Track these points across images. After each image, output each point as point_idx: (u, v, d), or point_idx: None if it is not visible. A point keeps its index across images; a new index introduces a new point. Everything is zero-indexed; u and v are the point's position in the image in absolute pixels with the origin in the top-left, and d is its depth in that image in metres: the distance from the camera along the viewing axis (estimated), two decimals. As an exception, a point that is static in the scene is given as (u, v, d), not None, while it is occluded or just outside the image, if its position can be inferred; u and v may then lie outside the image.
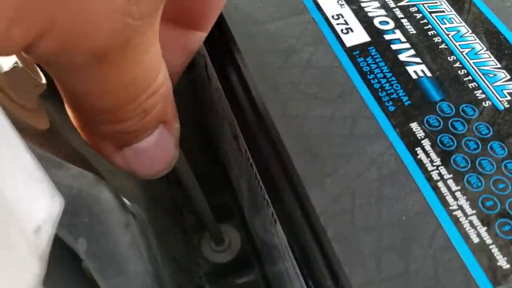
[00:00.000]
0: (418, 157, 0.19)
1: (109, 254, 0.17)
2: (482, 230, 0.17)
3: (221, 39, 0.23)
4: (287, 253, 0.24)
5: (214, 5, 0.19)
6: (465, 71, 0.21)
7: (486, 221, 0.17)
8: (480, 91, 0.20)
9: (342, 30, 0.22)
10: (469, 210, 0.17)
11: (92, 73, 0.14)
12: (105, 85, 0.15)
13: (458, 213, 0.17)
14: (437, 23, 0.22)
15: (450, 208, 0.18)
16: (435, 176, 0.18)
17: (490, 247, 0.17)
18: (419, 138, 0.19)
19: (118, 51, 0.14)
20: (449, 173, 0.18)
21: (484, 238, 0.17)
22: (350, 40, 0.22)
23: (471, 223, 0.17)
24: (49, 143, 0.21)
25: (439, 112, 0.20)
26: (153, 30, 0.15)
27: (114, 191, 0.18)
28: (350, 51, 0.21)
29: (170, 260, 0.28)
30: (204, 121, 0.37)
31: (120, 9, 0.13)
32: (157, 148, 0.18)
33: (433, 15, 0.23)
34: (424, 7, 0.23)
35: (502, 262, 0.16)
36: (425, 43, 0.22)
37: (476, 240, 0.17)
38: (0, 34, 0.12)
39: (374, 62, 0.21)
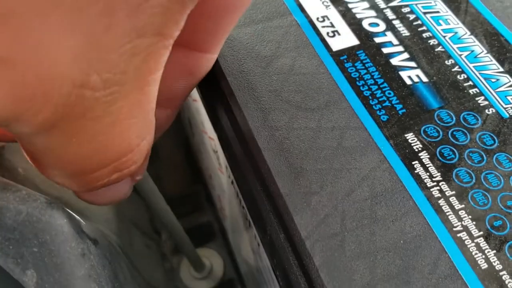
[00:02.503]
0: (416, 171, 0.16)
1: None
2: (491, 254, 0.15)
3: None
4: (271, 279, 0.22)
5: (225, 23, 0.16)
6: (465, 76, 0.19)
7: (495, 244, 0.15)
8: (483, 97, 0.18)
9: (328, 33, 0.20)
10: (475, 232, 0.15)
11: (44, 143, 0.12)
12: (58, 154, 0.13)
13: (463, 235, 0.15)
14: (432, 24, 0.20)
15: (454, 229, 0.15)
16: (435, 193, 0.16)
17: (501, 273, 0.15)
18: (416, 150, 0.17)
19: (72, 123, 0.12)
20: (451, 190, 0.16)
21: (494, 264, 0.15)
22: (337, 43, 0.20)
23: (478, 246, 0.15)
24: (4, 161, 0.19)
25: (438, 121, 0.18)
26: (130, 99, 0.12)
27: (70, 216, 0.16)
28: (337, 56, 0.19)
29: (147, 286, 0.25)
30: (186, 136, 0.35)
31: (70, 81, 0.11)
32: (113, 191, 0.16)
33: (428, 16, 0.21)
34: (418, 7, 0.21)
35: (516, 292, 0.14)
36: (420, 45, 0.20)
37: (484, 266, 0.15)
38: None
39: (363, 67, 0.19)
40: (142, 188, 0.22)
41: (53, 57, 0.10)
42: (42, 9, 0.10)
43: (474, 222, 0.16)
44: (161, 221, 0.25)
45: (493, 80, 0.19)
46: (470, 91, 0.18)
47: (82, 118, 0.12)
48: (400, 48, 0.20)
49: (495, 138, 0.17)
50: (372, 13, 0.21)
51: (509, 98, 0.18)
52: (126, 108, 0.12)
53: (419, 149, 0.17)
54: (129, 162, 0.14)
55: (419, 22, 0.20)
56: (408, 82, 0.19)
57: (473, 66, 0.19)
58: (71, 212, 0.16)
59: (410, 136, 0.17)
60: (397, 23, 0.20)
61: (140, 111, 0.13)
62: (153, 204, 0.23)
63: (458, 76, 0.19)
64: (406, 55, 0.19)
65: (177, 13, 0.12)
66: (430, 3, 0.21)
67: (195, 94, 0.25)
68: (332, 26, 0.20)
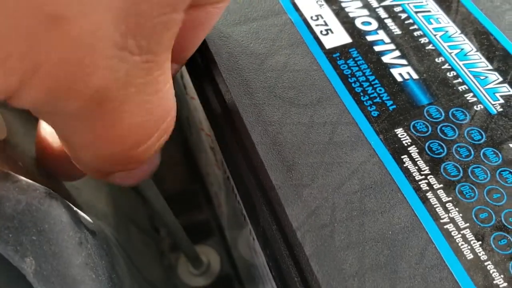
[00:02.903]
0: (405, 165, 0.17)
1: (59, 275, 0.15)
2: (477, 245, 0.15)
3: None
4: (266, 274, 0.22)
5: (190, 43, 0.17)
6: (455, 73, 0.19)
7: (480, 235, 0.16)
8: (471, 94, 0.19)
9: (321, 31, 0.21)
10: (461, 223, 0.16)
11: (90, 121, 0.13)
12: (106, 134, 0.13)
13: (450, 227, 0.16)
14: (423, 23, 0.21)
15: (441, 221, 0.16)
16: (423, 186, 0.16)
17: (486, 263, 0.15)
18: (406, 145, 0.17)
19: (118, 91, 0.12)
20: (439, 183, 0.17)
21: (479, 254, 0.15)
22: (330, 41, 0.20)
23: (464, 237, 0.16)
24: (4, 154, 0.19)
25: (427, 117, 0.18)
26: (161, 67, 0.13)
27: (68, 206, 0.16)
28: (330, 53, 0.20)
29: (144, 283, 0.26)
30: (184, 135, 0.35)
31: (113, 42, 0.11)
32: (144, 167, 0.17)
33: (419, 15, 0.21)
34: (409, 6, 0.21)
35: (499, 280, 0.15)
36: (411, 44, 0.20)
37: (470, 256, 0.15)
38: None
39: (355, 64, 0.19)
40: (140, 184, 0.23)
41: (99, 17, 0.11)
42: None
43: (460, 214, 0.16)
44: (159, 217, 0.25)
45: (482, 78, 0.19)
46: (459, 88, 0.19)
47: (127, 85, 0.12)
48: (392, 46, 0.20)
49: (483, 133, 0.18)
50: (365, 12, 0.21)
51: (497, 95, 0.19)
52: (162, 76, 0.13)
53: (408, 143, 0.17)
54: (170, 123, 0.15)
55: (411, 21, 0.21)
56: (399, 79, 0.19)
57: (463, 64, 0.20)
58: (69, 204, 0.16)
59: (399, 131, 0.18)
60: (389, 22, 0.21)
61: (170, 76, 0.14)
62: (151, 199, 0.24)
63: (448, 74, 0.19)
64: (397, 53, 0.20)
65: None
66: (422, 2, 0.22)
67: (192, 91, 0.26)
68: (326, 24, 0.21)
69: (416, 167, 0.17)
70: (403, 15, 0.21)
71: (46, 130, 0.18)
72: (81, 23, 0.10)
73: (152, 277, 0.27)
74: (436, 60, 0.20)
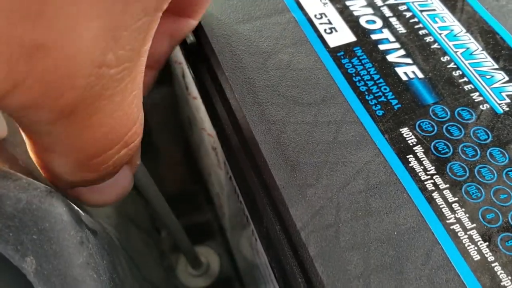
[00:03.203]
0: (410, 165, 0.17)
1: (60, 275, 0.15)
2: (483, 246, 0.15)
3: (195, 41, 0.21)
4: (268, 274, 0.22)
5: (166, 49, 0.18)
6: (460, 72, 0.19)
7: (487, 236, 0.15)
8: (477, 93, 0.18)
9: (325, 30, 0.20)
10: (468, 224, 0.16)
11: (60, 128, 0.13)
12: (73, 140, 0.13)
13: (456, 227, 0.15)
14: (429, 22, 0.21)
15: (447, 221, 0.16)
16: (429, 186, 0.16)
17: (493, 265, 0.15)
18: (411, 144, 0.17)
19: (90, 105, 0.12)
20: (445, 183, 0.16)
21: (486, 255, 0.15)
22: (334, 40, 0.20)
23: (470, 238, 0.15)
24: (5, 153, 0.19)
25: (433, 116, 0.18)
26: (133, 74, 0.13)
27: (69, 205, 0.16)
28: (334, 52, 0.20)
29: (145, 283, 0.25)
30: (185, 135, 0.35)
31: (92, 62, 0.12)
32: (113, 186, 0.17)
33: (424, 13, 0.21)
34: (414, 5, 0.21)
35: (506, 281, 0.14)
36: (416, 43, 0.20)
37: (476, 257, 0.15)
38: None
39: (360, 63, 0.19)
40: (141, 184, 0.22)
41: (80, 40, 0.11)
42: None
43: (467, 215, 0.16)
44: (159, 217, 0.25)
45: (488, 77, 0.19)
46: (465, 87, 0.19)
47: (98, 99, 0.12)
48: (397, 45, 0.20)
49: (489, 133, 0.17)
50: (369, 10, 0.21)
51: (503, 94, 0.18)
52: (131, 83, 0.13)
53: (414, 143, 0.17)
54: (135, 135, 0.15)
55: (416, 19, 0.21)
56: (404, 78, 0.19)
57: (468, 63, 0.19)
58: (70, 203, 0.16)
59: (405, 131, 0.17)
60: (393, 20, 0.21)
61: (138, 82, 0.14)
62: (151, 200, 0.23)
63: (453, 73, 0.19)
64: (402, 52, 0.20)
65: None
66: (427, 1, 0.21)
67: (195, 91, 0.26)
68: (330, 23, 0.21)
69: (422, 167, 0.17)
70: (408, 14, 0.21)
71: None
72: (60, 50, 0.11)
73: (152, 277, 0.27)
74: (442, 59, 0.19)
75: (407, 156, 0.17)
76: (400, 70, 0.19)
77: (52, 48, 0.11)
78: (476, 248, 0.15)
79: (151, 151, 0.31)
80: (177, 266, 0.32)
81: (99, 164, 0.15)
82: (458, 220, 0.16)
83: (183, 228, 0.27)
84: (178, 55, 0.27)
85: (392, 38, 0.20)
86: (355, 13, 0.21)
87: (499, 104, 0.18)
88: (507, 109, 0.18)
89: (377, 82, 0.19)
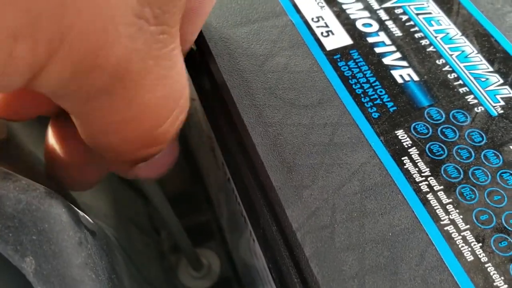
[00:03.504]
0: (405, 167, 0.17)
1: (59, 275, 0.15)
2: (477, 247, 0.15)
3: (193, 44, 0.21)
4: (266, 277, 0.22)
5: (194, 26, 0.17)
6: (455, 75, 0.19)
7: (481, 237, 0.16)
8: (472, 96, 0.19)
9: (322, 33, 0.21)
10: (462, 225, 0.16)
11: (112, 99, 0.13)
12: (128, 112, 0.13)
13: (450, 229, 0.16)
14: (424, 25, 0.21)
15: (441, 223, 0.16)
16: (424, 187, 0.16)
17: (486, 265, 0.15)
18: (406, 146, 0.17)
19: (138, 64, 0.12)
20: (439, 185, 0.16)
21: (479, 256, 0.15)
22: (331, 43, 0.20)
23: (464, 239, 0.15)
24: (5, 153, 0.19)
25: (428, 119, 0.18)
26: (174, 40, 0.13)
27: (68, 206, 0.16)
28: (331, 55, 0.20)
29: (144, 284, 0.26)
30: (185, 137, 0.35)
31: (132, 9, 0.11)
32: (165, 156, 0.17)
33: (420, 17, 0.21)
34: (410, 8, 0.21)
35: (499, 282, 0.15)
36: (412, 45, 0.20)
37: (470, 258, 0.15)
38: (3, 55, 0.10)
39: (356, 66, 0.19)
40: (144, 183, 0.23)
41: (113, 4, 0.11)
42: None
43: (461, 216, 0.16)
44: (160, 217, 0.25)
45: (482, 80, 0.19)
46: (460, 89, 0.19)
47: (147, 58, 0.12)
48: (393, 48, 0.20)
49: (484, 135, 0.18)
50: (366, 14, 0.21)
51: (498, 97, 0.19)
52: (176, 51, 0.13)
53: (409, 145, 0.17)
54: (185, 103, 0.15)
55: (412, 23, 0.21)
56: (400, 80, 0.19)
57: (464, 66, 0.20)
58: (69, 203, 0.16)
59: (400, 133, 0.18)
60: (390, 23, 0.21)
61: (181, 53, 0.14)
62: (154, 200, 0.24)
63: (449, 75, 0.19)
64: (398, 55, 0.20)
65: None
66: (423, 4, 0.22)
67: (193, 93, 0.26)
68: (327, 26, 0.21)
69: (417, 169, 0.17)
70: (404, 17, 0.21)
71: (54, 140, 0.18)
72: (97, 13, 0.10)
73: (152, 278, 0.27)
74: (437, 62, 0.20)
75: (402, 158, 0.17)
76: (395, 73, 0.19)
77: (89, 7, 0.10)
78: (469, 249, 0.15)
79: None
80: (178, 268, 0.32)
81: (163, 133, 0.14)
82: (452, 222, 0.16)
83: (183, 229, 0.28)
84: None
85: (388, 41, 0.20)
86: (352, 17, 0.21)
87: (493, 106, 0.18)
88: (502, 111, 0.18)
89: (373, 84, 0.19)
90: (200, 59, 0.21)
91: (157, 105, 0.14)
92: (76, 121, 0.14)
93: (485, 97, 0.19)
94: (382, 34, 0.21)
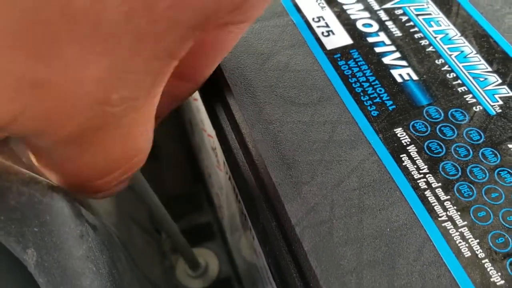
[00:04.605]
0: (404, 164, 0.17)
1: (60, 267, 0.15)
2: (474, 243, 0.15)
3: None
4: (266, 275, 0.22)
5: (210, 62, 0.17)
6: (454, 75, 0.19)
7: (478, 234, 0.16)
8: (470, 95, 0.19)
9: (322, 32, 0.21)
10: (460, 222, 0.16)
11: (62, 154, 0.13)
12: (72, 165, 0.14)
13: (448, 225, 0.16)
14: (424, 25, 0.21)
15: (439, 219, 0.16)
16: (422, 184, 0.17)
17: (483, 261, 0.15)
18: (405, 144, 0.18)
19: (91, 135, 0.13)
20: (437, 182, 0.17)
21: (477, 252, 0.15)
22: (331, 42, 0.20)
23: (462, 235, 0.16)
24: (7, 148, 0.19)
25: (426, 117, 0.18)
26: (142, 111, 0.13)
27: (71, 199, 0.16)
28: (331, 54, 0.20)
29: (145, 281, 0.26)
30: (187, 137, 0.36)
31: (94, 98, 0.12)
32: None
33: (420, 17, 0.21)
34: (410, 9, 0.22)
35: (496, 277, 0.15)
36: (411, 45, 0.20)
37: (467, 254, 0.15)
38: None
39: (356, 65, 0.20)
40: (136, 188, 0.23)
41: (83, 79, 0.11)
42: (82, 36, 0.10)
43: (459, 213, 0.16)
44: (156, 219, 0.26)
45: (481, 79, 0.19)
46: (459, 89, 0.19)
47: (99, 130, 0.13)
48: (392, 48, 0.20)
49: (482, 133, 0.18)
50: (366, 14, 0.22)
51: (496, 96, 0.19)
52: (137, 119, 0.13)
53: (408, 143, 0.18)
54: (137, 163, 0.15)
55: (411, 23, 0.21)
56: (399, 80, 0.19)
57: (463, 66, 0.20)
58: (71, 197, 0.17)
59: (399, 131, 0.18)
60: (390, 24, 0.21)
61: (148, 119, 0.14)
62: (147, 199, 0.24)
63: (448, 75, 0.19)
64: (397, 54, 0.20)
65: (189, 39, 0.13)
66: (423, 5, 0.22)
67: (195, 93, 0.26)
68: (327, 26, 0.21)
69: (415, 166, 0.17)
70: (404, 18, 0.21)
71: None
72: (61, 87, 0.11)
73: (152, 276, 0.27)
74: (436, 61, 0.20)
75: (401, 155, 0.17)
76: (395, 72, 0.19)
77: (53, 85, 0.11)
78: (467, 245, 0.15)
79: (152, 153, 0.32)
80: (176, 267, 0.32)
81: (96, 186, 0.15)
82: (450, 218, 0.16)
83: (183, 229, 0.28)
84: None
85: (388, 41, 0.20)
86: (352, 17, 0.21)
87: (492, 106, 0.19)
88: (500, 110, 0.18)
89: (373, 83, 0.19)
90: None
91: (98, 165, 0.14)
92: (31, 152, 0.15)
93: (483, 96, 0.19)
94: (382, 34, 0.21)
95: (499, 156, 0.17)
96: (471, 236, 0.16)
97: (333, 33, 0.21)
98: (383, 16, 0.21)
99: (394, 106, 0.18)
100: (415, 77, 0.19)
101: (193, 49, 0.13)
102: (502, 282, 0.15)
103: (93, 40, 0.11)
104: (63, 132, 0.12)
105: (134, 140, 0.14)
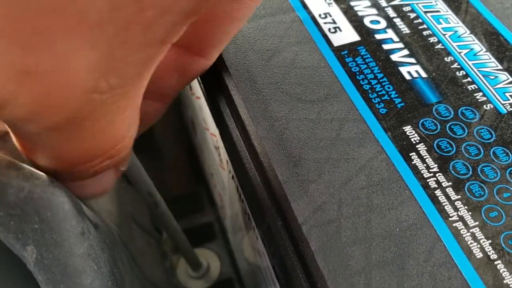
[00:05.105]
0: (413, 162, 0.17)
1: (60, 265, 0.15)
2: (486, 244, 0.15)
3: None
4: (270, 276, 0.22)
5: (223, 32, 0.17)
6: (464, 73, 0.19)
7: (490, 234, 0.15)
8: (481, 93, 0.18)
9: (329, 29, 0.20)
10: (471, 222, 0.15)
11: (46, 138, 0.13)
12: (58, 150, 0.14)
13: (459, 225, 0.15)
14: (433, 23, 0.21)
15: (450, 219, 0.16)
16: (432, 183, 0.16)
17: (496, 263, 0.15)
18: (414, 142, 0.17)
19: (78, 123, 0.13)
20: (448, 181, 0.16)
21: (489, 253, 0.15)
22: (338, 39, 0.20)
23: (473, 236, 0.15)
24: (8, 144, 0.19)
25: (436, 115, 0.18)
26: (128, 96, 0.13)
27: (71, 196, 0.16)
28: (338, 51, 0.20)
29: (145, 281, 0.25)
30: (188, 136, 0.35)
31: (83, 86, 0.12)
32: (94, 183, 0.17)
33: (428, 14, 0.21)
34: (418, 6, 0.21)
35: (509, 279, 0.14)
36: (420, 43, 0.20)
37: (479, 255, 0.15)
38: None
39: (364, 62, 0.19)
40: (135, 180, 0.22)
41: (71, 68, 0.11)
42: (68, 26, 0.10)
43: (470, 213, 0.16)
44: (158, 218, 0.25)
45: (491, 77, 0.19)
46: (469, 87, 0.19)
47: (86, 118, 0.13)
48: (400, 45, 0.20)
49: (493, 132, 0.17)
50: (374, 11, 0.21)
51: (507, 94, 0.18)
52: (123, 106, 0.13)
53: (417, 141, 0.17)
54: (120, 149, 0.15)
55: (420, 20, 0.21)
56: (408, 77, 0.19)
57: (472, 64, 0.19)
58: (72, 194, 0.16)
59: (408, 129, 0.17)
60: (397, 21, 0.21)
61: (133, 106, 0.14)
62: (148, 197, 0.23)
63: (457, 73, 0.19)
64: (406, 52, 0.20)
65: (181, 25, 0.12)
66: (431, 2, 0.22)
67: (198, 91, 0.26)
68: (334, 22, 0.21)
69: (425, 165, 0.17)
70: (412, 15, 0.21)
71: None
72: (51, 77, 0.11)
73: (153, 276, 0.27)
74: (445, 59, 0.19)
75: (410, 154, 0.17)
76: (403, 70, 0.19)
77: (42, 74, 0.11)
78: (478, 246, 0.15)
79: (154, 153, 0.32)
80: (177, 267, 0.32)
81: (80, 171, 0.15)
82: (461, 218, 0.16)
83: (184, 230, 0.27)
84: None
85: (396, 38, 0.20)
86: (360, 13, 0.21)
87: (502, 104, 0.18)
88: (511, 109, 0.18)
89: (381, 81, 0.19)
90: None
91: (82, 151, 0.14)
92: (12, 135, 0.15)
93: (494, 94, 0.18)
94: (390, 31, 0.20)
95: (510, 155, 0.17)
96: (482, 236, 0.15)
97: (340, 30, 0.20)
98: (391, 12, 0.21)
99: (402, 104, 0.18)
100: (424, 75, 0.19)
101: (199, 23, 0.13)
102: (516, 284, 0.14)
103: (80, 29, 0.10)
104: (53, 119, 0.12)
105: (119, 127, 0.14)
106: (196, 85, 0.26)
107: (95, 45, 0.11)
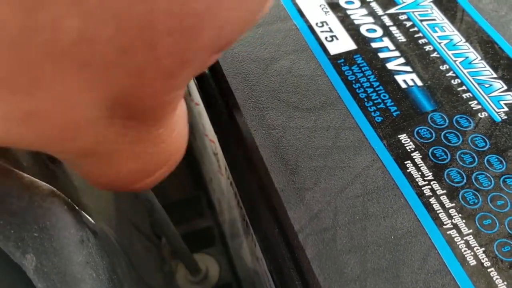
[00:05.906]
0: (408, 170, 0.17)
1: (60, 272, 0.15)
2: (480, 252, 0.15)
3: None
4: (267, 281, 0.22)
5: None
6: (459, 81, 0.19)
7: (484, 242, 0.15)
8: (475, 101, 0.19)
9: (326, 37, 0.21)
10: (465, 229, 0.16)
11: (86, 165, 0.13)
12: (104, 174, 0.14)
13: (453, 233, 0.16)
14: (428, 31, 0.21)
15: (444, 227, 0.16)
16: (426, 191, 0.16)
17: (489, 270, 0.15)
18: (409, 150, 0.17)
19: (104, 150, 0.12)
20: (442, 189, 0.16)
21: (482, 261, 0.15)
22: (335, 48, 0.20)
23: (467, 243, 0.15)
24: (7, 153, 0.19)
25: (431, 123, 0.18)
26: (161, 126, 0.13)
27: (70, 204, 0.16)
28: (335, 59, 0.20)
29: (145, 287, 0.26)
30: (188, 142, 0.35)
31: (94, 121, 0.11)
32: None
33: (424, 23, 0.21)
34: (414, 15, 0.22)
35: (502, 286, 0.14)
36: (416, 51, 0.20)
37: (473, 262, 0.15)
38: None
39: (360, 70, 0.19)
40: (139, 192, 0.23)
41: (76, 105, 0.11)
42: (69, 71, 0.10)
43: (464, 221, 0.16)
44: (157, 223, 0.25)
45: (486, 86, 0.19)
46: (464, 95, 0.19)
47: (115, 144, 0.12)
48: (396, 53, 0.20)
49: (487, 140, 0.18)
50: (370, 19, 0.21)
51: (501, 102, 0.19)
52: (166, 129, 0.13)
53: (412, 149, 0.17)
54: (173, 164, 0.15)
55: (416, 29, 0.21)
56: (403, 85, 0.19)
57: (467, 72, 0.20)
58: (72, 202, 0.16)
59: (403, 137, 0.18)
60: (394, 29, 0.21)
61: (177, 121, 0.14)
62: (147, 203, 0.23)
63: (452, 81, 0.19)
64: (402, 60, 0.20)
65: (202, 68, 0.12)
66: (427, 11, 0.22)
67: (197, 97, 0.26)
68: (331, 31, 0.21)
69: (420, 173, 0.17)
70: (408, 23, 0.21)
71: None
72: (56, 113, 0.11)
73: (152, 282, 0.27)
74: (441, 67, 0.20)
75: (405, 162, 0.17)
76: (399, 78, 0.19)
77: (45, 113, 0.11)
78: (472, 253, 0.15)
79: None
80: (177, 272, 0.32)
81: (140, 187, 0.15)
82: (455, 226, 0.16)
83: (183, 235, 0.27)
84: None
85: (392, 47, 0.20)
86: (356, 22, 0.21)
87: (497, 112, 0.18)
88: (505, 117, 0.18)
89: (377, 89, 0.19)
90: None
91: (130, 174, 0.14)
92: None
93: (488, 103, 0.19)
94: (386, 39, 0.21)
95: (504, 163, 0.17)
96: (476, 244, 0.15)
97: (337, 38, 0.21)
98: (387, 21, 0.21)
99: (398, 112, 0.18)
100: (419, 83, 0.19)
101: None
102: (509, 291, 0.14)
103: (84, 73, 0.10)
104: (72, 150, 0.12)
105: (168, 146, 0.14)
106: (195, 92, 0.26)
107: (102, 86, 0.11)
